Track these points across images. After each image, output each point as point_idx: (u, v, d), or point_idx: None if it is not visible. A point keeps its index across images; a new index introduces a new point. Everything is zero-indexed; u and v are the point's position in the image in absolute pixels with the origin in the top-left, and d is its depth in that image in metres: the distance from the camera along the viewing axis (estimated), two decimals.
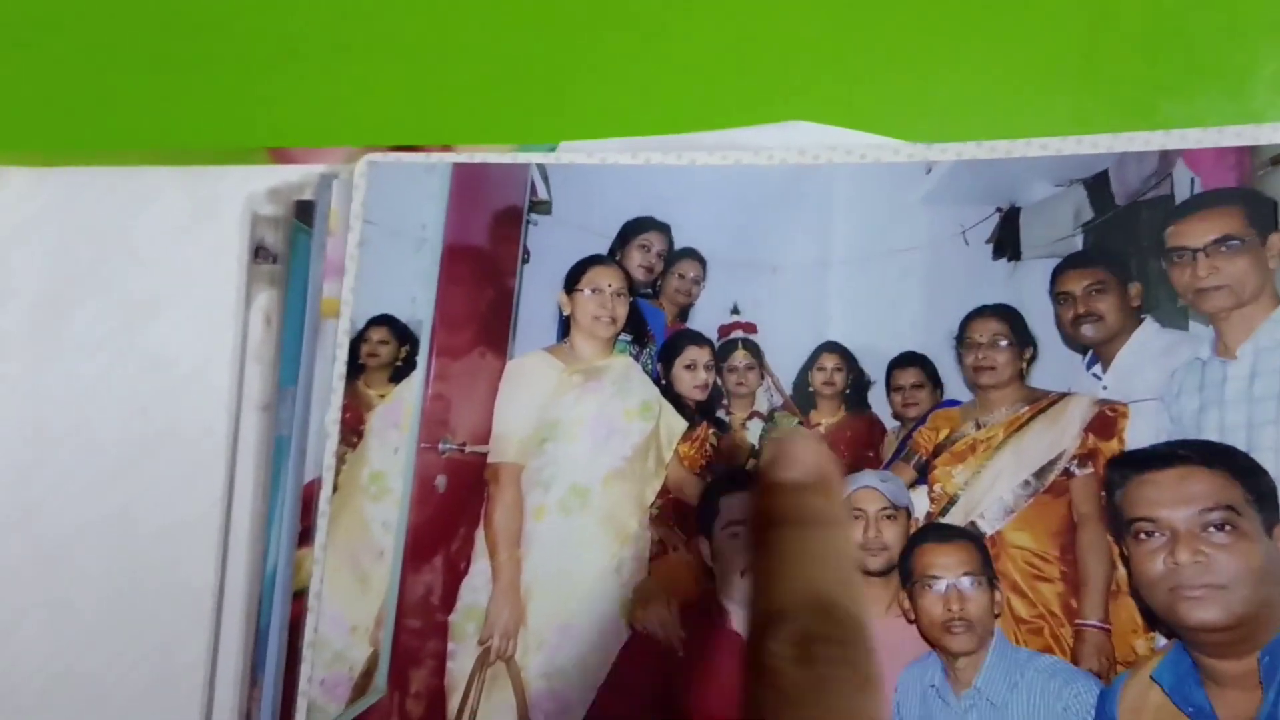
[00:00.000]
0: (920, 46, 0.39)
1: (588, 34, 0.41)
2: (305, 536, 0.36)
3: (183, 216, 0.41)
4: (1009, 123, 0.38)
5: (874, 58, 0.40)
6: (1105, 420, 0.33)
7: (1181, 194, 0.34)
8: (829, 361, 0.36)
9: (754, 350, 0.36)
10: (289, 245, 0.39)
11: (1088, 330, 0.34)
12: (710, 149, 0.37)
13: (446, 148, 0.39)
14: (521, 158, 0.38)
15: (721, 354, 0.36)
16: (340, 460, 0.37)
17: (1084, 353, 0.34)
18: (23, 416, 0.40)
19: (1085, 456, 0.33)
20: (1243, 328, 0.33)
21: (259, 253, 0.40)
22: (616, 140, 0.39)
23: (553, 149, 0.39)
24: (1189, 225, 0.34)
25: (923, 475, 0.34)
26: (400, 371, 0.37)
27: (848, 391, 0.35)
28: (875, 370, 0.35)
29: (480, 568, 0.36)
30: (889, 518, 0.34)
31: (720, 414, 0.36)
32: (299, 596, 0.36)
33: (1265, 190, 0.33)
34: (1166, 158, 0.34)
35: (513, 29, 0.41)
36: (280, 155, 0.41)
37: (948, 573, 0.33)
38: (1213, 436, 0.32)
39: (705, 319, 0.37)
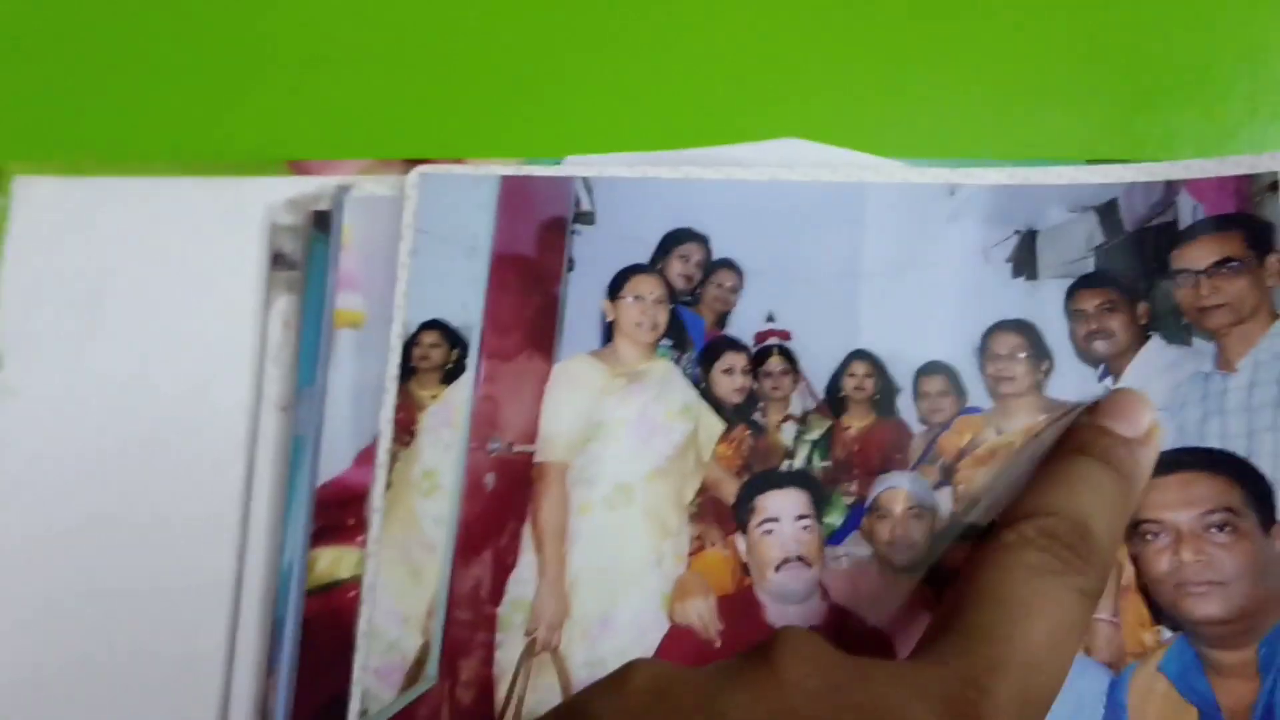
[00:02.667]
0: (911, 68, 0.42)
1: (591, 54, 0.43)
2: (319, 535, 0.38)
3: (205, 224, 0.42)
4: (995, 139, 0.41)
5: (866, 78, 0.42)
6: None
7: (1185, 220, 0.37)
8: (859, 368, 0.38)
9: (789, 356, 0.38)
10: (306, 253, 0.41)
11: (1100, 345, 0.37)
12: (705, 164, 0.40)
13: (458, 160, 0.41)
14: (566, 171, 0.40)
15: (758, 359, 0.39)
16: (393, 458, 0.38)
17: (1096, 366, 0.37)
18: (54, 413, 0.41)
19: None
20: (1242, 343, 0.36)
21: (278, 260, 0.41)
22: (642, 154, 0.41)
23: (557, 162, 0.41)
24: (1192, 249, 0.37)
25: (947, 477, 0.37)
26: (451, 374, 0.39)
27: (877, 397, 0.38)
28: (903, 378, 0.38)
29: (527, 561, 0.38)
30: (915, 517, 0.37)
31: (756, 416, 0.38)
32: (313, 593, 0.38)
33: (1263, 215, 0.36)
34: (1171, 187, 0.37)
35: (518, 50, 0.43)
36: (299, 167, 0.42)
37: None
38: (1214, 444, 0.35)
39: (742, 326, 0.39)
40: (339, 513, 0.38)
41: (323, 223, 0.41)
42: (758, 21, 0.43)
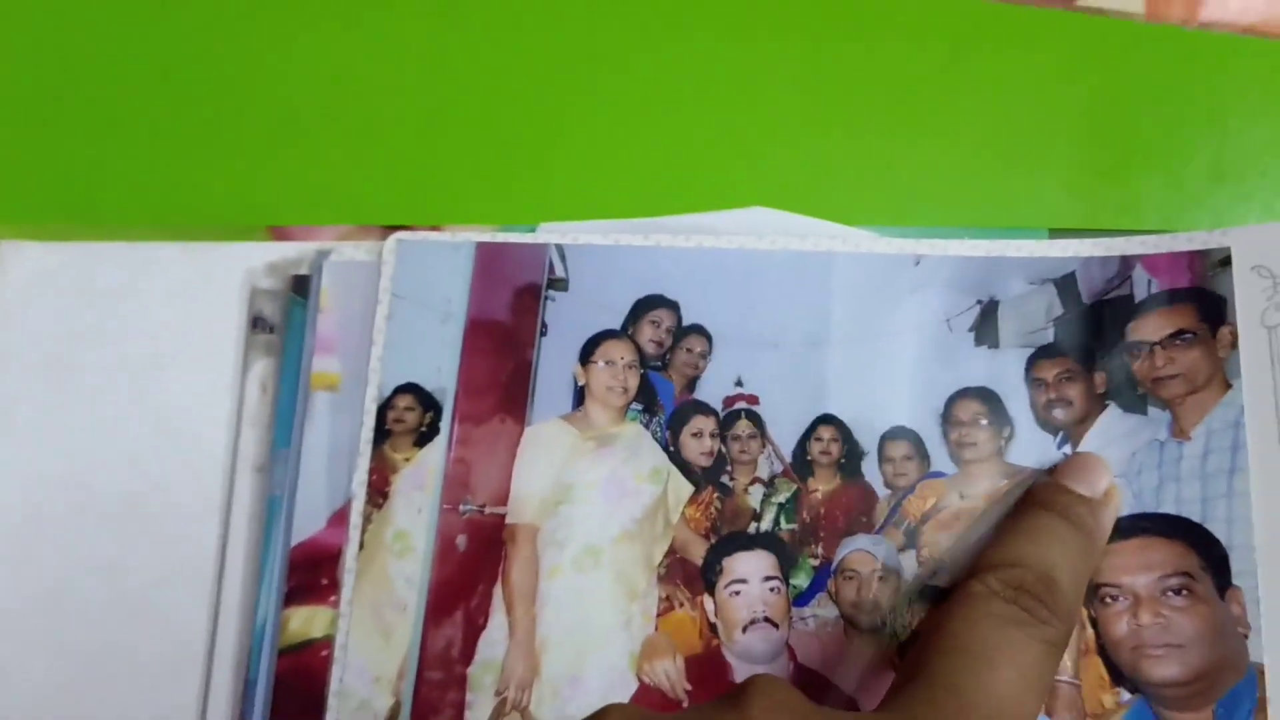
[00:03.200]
0: (878, 138, 0.43)
1: (565, 123, 0.44)
2: (292, 596, 0.38)
3: (186, 287, 0.43)
4: (961, 206, 0.42)
5: (833, 148, 0.43)
6: None
7: (1140, 293, 0.38)
8: (826, 433, 0.39)
9: (756, 420, 0.39)
10: (285, 317, 0.42)
11: (1059, 413, 0.38)
12: (675, 232, 0.41)
13: (434, 227, 0.42)
14: (541, 238, 0.41)
15: (726, 423, 0.39)
16: (366, 519, 0.39)
17: (1055, 434, 0.38)
18: (32, 468, 0.41)
19: None
20: (1196, 412, 0.37)
21: (257, 323, 0.42)
22: (614, 222, 0.42)
23: (532, 229, 0.42)
24: (1147, 322, 0.38)
25: (911, 540, 0.38)
26: (425, 437, 0.39)
27: (843, 461, 0.39)
28: (868, 442, 0.39)
29: (498, 622, 0.38)
30: (881, 579, 0.37)
31: (724, 479, 0.39)
32: (286, 652, 0.38)
33: (1215, 289, 0.37)
34: (1127, 261, 0.38)
35: (494, 119, 0.44)
36: (279, 232, 0.43)
37: None
38: (1170, 510, 0.36)
39: (711, 390, 0.40)
40: (312, 573, 0.39)
41: (302, 287, 0.41)
42: (728, 92, 0.44)
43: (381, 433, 0.39)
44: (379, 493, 0.39)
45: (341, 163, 0.44)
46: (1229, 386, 0.37)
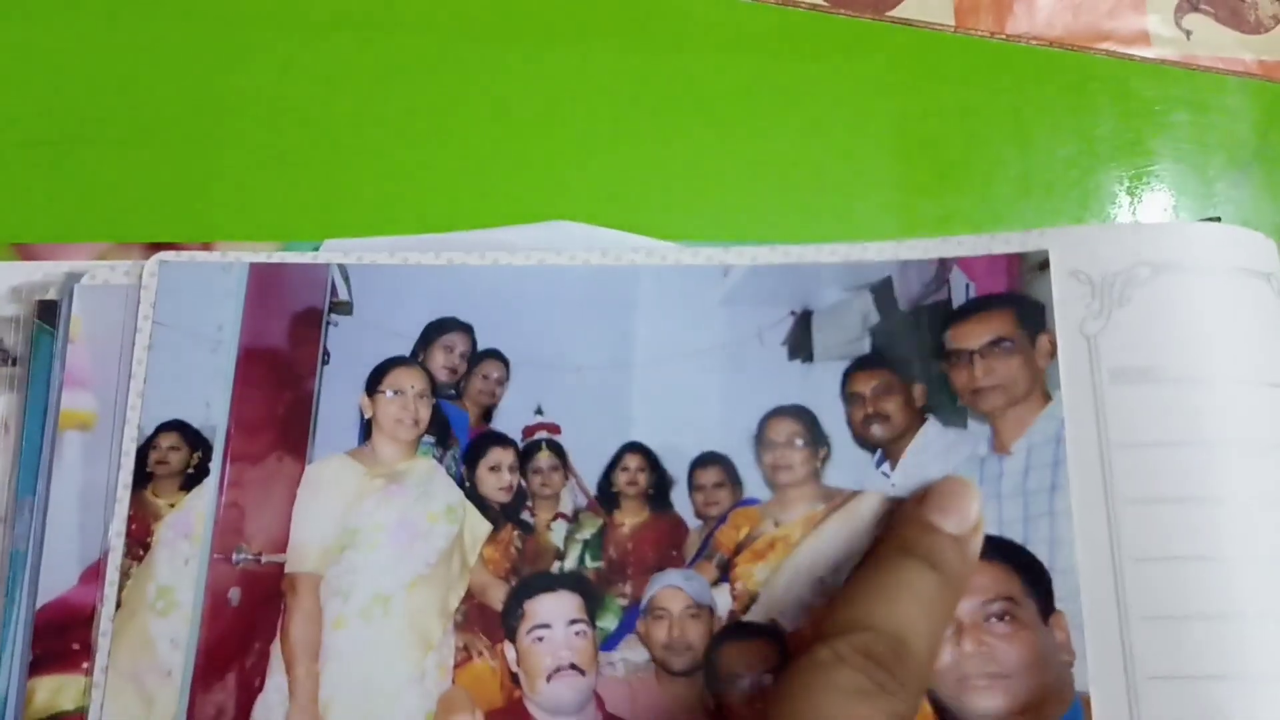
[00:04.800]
0: (687, 150, 0.41)
1: (353, 130, 0.41)
2: (39, 664, 0.34)
3: None
4: (773, 222, 0.40)
5: (639, 159, 0.41)
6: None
7: (958, 299, 0.36)
8: (632, 462, 0.36)
9: (558, 451, 0.36)
10: (30, 347, 0.38)
11: (876, 430, 0.35)
12: (470, 249, 0.38)
13: (206, 245, 0.38)
14: (322, 258, 0.37)
15: (526, 455, 0.36)
16: (125, 575, 0.35)
17: (873, 451, 0.35)
18: None
19: None
20: (1016, 425, 0.35)
21: None
22: (403, 239, 0.39)
23: (316, 246, 0.39)
24: (965, 328, 0.36)
25: (725, 573, 0.35)
26: (192, 479, 0.36)
27: (651, 491, 0.36)
28: (677, 470, 0.36)
29: (276, 683, 0.34)
30: (693, 617, 0.35)
31: (525, 516, 0.36)
32: None
33: (1033, 294, 0.36)
34: (944, 264, 0.36)
35: (273, 125, 0.41)
36: (24, 251, 0.39)
37: (751, 671, 0.34)
38: (992, 530, 0.34)
39: (509, 420, 0.37)
40: (61, 637, 0.34)
41: (48, 314, 0.37)
42: (531, 101, 0.41)
43: (142, 476, 0.36)
44: (139, 544, 0.35)
45: (97, 171, 0.40)
46: (1049, 399, 0.35)
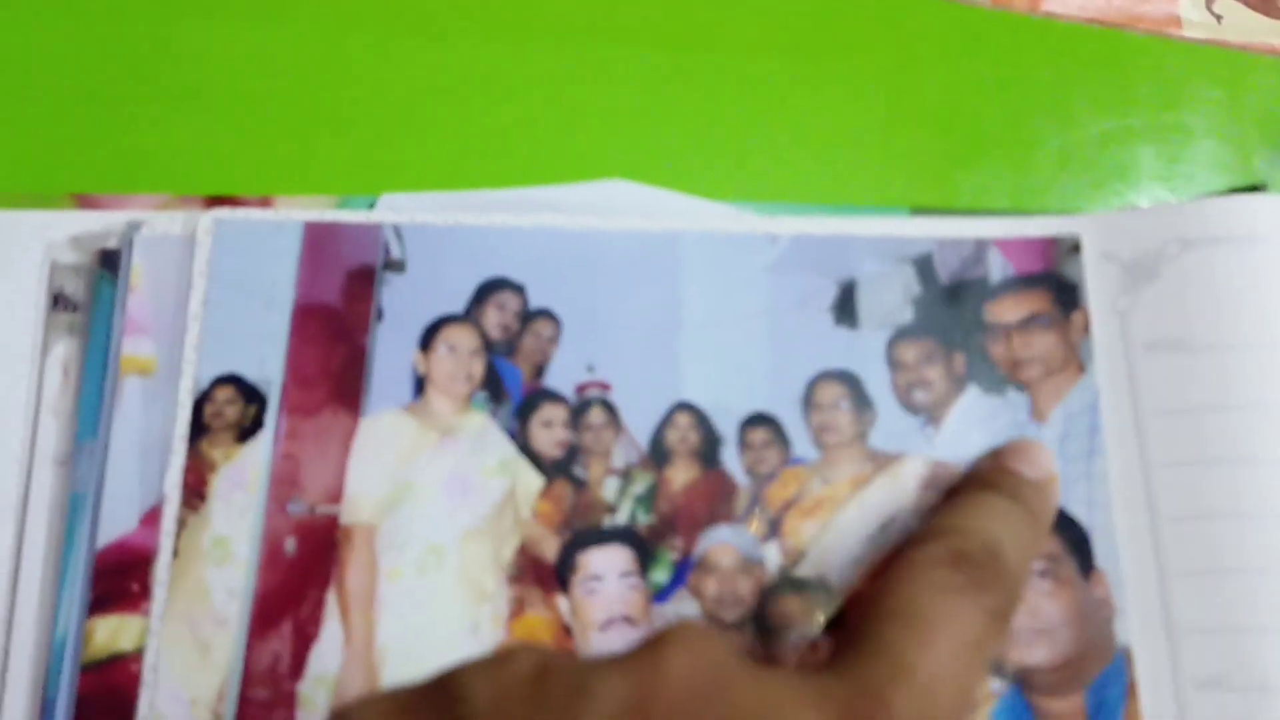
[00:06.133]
0: (743, 111, 0.42)
1: (407, 87, 0.41)
2: (98, 604, 0.34)
3: None
4: (815, 188, 0.41)
5: (694, 120, 0.42)
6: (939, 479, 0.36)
7: (995, 276, 0.38)
8: (683, 420, 0.37)
9: (610, 408, 0.37)
10: (91, 294, 0.38)
11: (919, 396, 0.37)
12: (521, 208, 0.38)
13: (264, 198, 0.39)
14: (375, 217, 0.38)
15: (578, 412, 0.37)
16: (181, 524, 0.35)
17: (917, 415, 0.37)
18: None
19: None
20: (1053, 394, 0.36)
21: (58, 301, 0.38)
22: (451, 194, 0.39)
23: (372, 201, 0.39)
24: (1002, 305, 0.37)
25: (774, 530, 0.36)
26: (247, 432, 0.36)
27: (701, 449, 0.37)
28: (727, 429, 0.37)
29: (331, 631, 0.35)
30: (743, 571, 0.36)
31: (577, 471, 0.37)
32: (90, 668, 0.34)
33: (1067, 275, 0.37)
34: (981, 244, 0.38)
35: (330, 81, 0.41)
36: (85, 201, 0.39)
37: (799, 624, 0.35)
38: None
39: (561, 377, 0.37)
40: (121, 578, 0.34)
41: (110, 262, 0.37)
42: (588, 59, 0.42)
43: (198, 428, 0.36)
44: (195, 494, 0.35)
45: (158, 123, 0.40)
46: (1083, 370, 0.36)
